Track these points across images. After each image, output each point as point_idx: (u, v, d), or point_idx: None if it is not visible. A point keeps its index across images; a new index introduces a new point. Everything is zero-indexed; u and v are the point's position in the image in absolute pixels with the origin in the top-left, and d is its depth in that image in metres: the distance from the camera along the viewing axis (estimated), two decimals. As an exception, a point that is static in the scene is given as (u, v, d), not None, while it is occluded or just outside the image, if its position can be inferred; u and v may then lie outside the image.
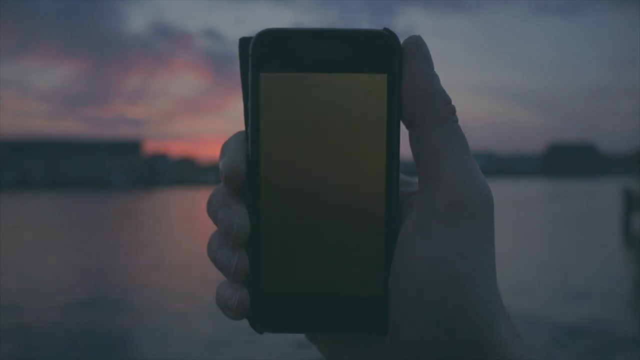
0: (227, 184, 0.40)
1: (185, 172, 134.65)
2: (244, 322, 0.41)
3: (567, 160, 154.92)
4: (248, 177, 0.40)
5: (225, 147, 0.40)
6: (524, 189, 60.84)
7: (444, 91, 0.39)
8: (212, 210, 0.41)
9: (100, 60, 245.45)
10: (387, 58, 0.39)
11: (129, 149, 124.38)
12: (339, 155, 0.39)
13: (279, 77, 0.38)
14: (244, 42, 0.40)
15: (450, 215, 0.38)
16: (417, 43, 0.39)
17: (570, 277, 11.22)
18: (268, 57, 0.38)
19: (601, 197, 42.00)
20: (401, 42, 0.40)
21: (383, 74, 0.39)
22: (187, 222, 27.17)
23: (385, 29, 0.39)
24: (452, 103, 0.40)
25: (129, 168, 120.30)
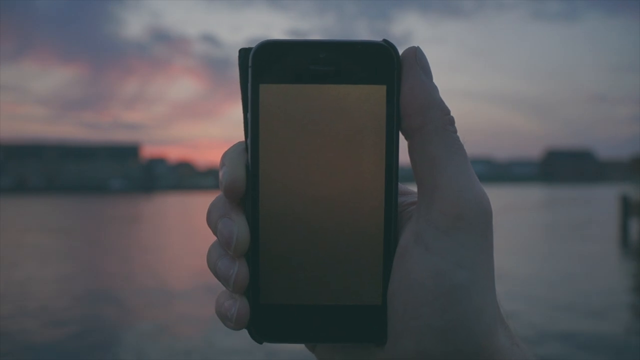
0: (227, 195, 0.40)
1: (183, 176, 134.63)
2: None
3: (564, 166, 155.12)
4: (248, 188, 0.40)
5: (224, 158, 0.40)
6: (522, 195, 60.88)
7: (442, 102, 0.40)
8: (211, 221, 0.41)
9: (99, 65, 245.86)
10: (386, 69, 0.39)
11: (127, 153, 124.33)
12: (338, 166, 0.39)
13: (278, 88, 0.39)
14: (243, 53, 0.39)
15: (448, 226, 0.38)
16: (415, 54, 0.39)
17: (567, 284, 11.23)
18: (267, 69, 0.38)
19: (598, 203, 42.05)
20: (400, 52, 0.40)
21: (382, 85, 0.39)
22: (185, 228, 27.14)
23: (384, 40, 0.39)
24: (451, 113, 0.40)
25: (126, 173, 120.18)
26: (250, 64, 0.39)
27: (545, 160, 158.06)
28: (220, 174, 0.40)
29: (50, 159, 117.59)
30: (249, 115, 0.39)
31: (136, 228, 26.70)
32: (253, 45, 0.39)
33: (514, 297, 9.17)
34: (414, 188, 0.42)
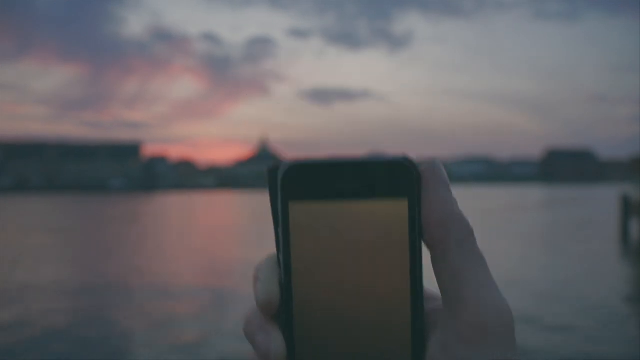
0: (263, 310, 0.42)
1: (183, 175, 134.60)
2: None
3: (565, 166, 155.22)
4: (282, 302, 0.42)
5: (259, 272, 0.43)
6: (522, 195, 60.83)
7: (462, 215, 0.42)
8: (249, 334, 0.43)
9: (99, 64, 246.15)
10: (407, 184, 0.42)
11: (128, 152, 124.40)
12: (366, 278, 0.42)
13: (307, 205, 0.42)
14: (272, 172, 0.43)
15: (473, 337, 0.40)
16: (434, 168, 0.42)
17: (567, 282, 11.24)
18: (296, 187, 0.42)
19: (599, 203, 42.02)
20: (420, 166, 0.42)
21: (404, 198, 0.41)
22: (185, 228, 27.08)
23: (404, 156, 0.42)
24: (470, 224, 0.42)
25: (127, 172, 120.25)
26: (280, 184, 0.42)
27: (545, 160, 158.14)
28: (256, 289, 0.42)
29: (50, 158, 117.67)
30: (280, 231, 0.43)
31: (136, 228, 26.70)
32: (279, 164, 0.43)
33: (517, 297, 9.18)
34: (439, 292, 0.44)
